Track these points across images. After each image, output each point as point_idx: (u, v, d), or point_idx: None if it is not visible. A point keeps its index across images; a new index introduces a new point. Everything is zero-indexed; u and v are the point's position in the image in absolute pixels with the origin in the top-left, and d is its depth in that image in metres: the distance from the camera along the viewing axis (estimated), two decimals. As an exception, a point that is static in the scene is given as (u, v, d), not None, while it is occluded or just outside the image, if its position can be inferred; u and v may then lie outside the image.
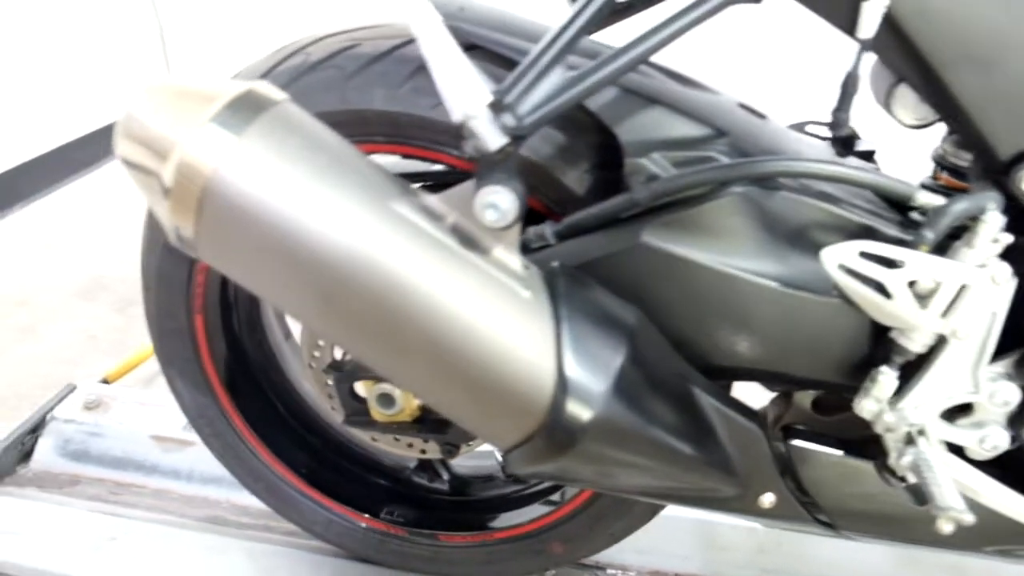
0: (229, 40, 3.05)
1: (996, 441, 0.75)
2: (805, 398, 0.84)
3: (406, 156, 0.88)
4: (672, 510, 1.02)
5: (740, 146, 0.77)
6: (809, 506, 0.82)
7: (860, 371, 0.77)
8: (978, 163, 0.76)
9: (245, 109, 0.64)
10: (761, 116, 0.83)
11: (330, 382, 0.99)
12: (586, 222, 0.76)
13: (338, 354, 0.99)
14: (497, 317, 0.67)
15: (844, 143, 0.81)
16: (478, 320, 0.67)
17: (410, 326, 0.66)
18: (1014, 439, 0.76)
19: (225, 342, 1.08)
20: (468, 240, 0.69)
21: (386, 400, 0.92)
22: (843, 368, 0.78)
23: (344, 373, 0.94)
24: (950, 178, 0.80)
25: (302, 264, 0.65)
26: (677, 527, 1.23)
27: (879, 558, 1.20)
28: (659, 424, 0.73)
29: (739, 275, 0.75)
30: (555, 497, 1.11)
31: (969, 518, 0.69)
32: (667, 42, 0.65)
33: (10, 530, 1.24)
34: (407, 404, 0.92)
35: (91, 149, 2.82)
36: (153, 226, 0.96)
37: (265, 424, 1.12)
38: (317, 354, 1.00)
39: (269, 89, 0.67)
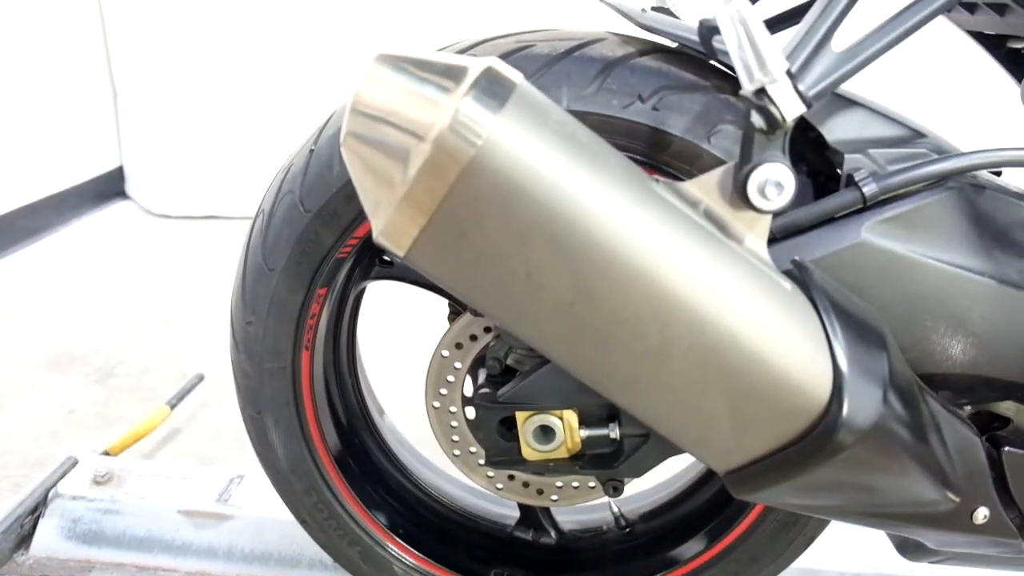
0: (185, 106, 2.93)
1: None
2: (1010, 407, 0.81)
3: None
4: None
5: (942, 145, 0.76)
6: (1021, 520, 0.78)
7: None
8: None
9: (496, 84, 0.57)
10: None
11: (457, 420, 0.90)
12: (801, 221, 0.73)
13: (468, 390, 0.90)
14: (770, 311, 0.61)
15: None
16: (752, 314, 0.60)
17: (677, 320, 0.59)
18: None
19: (325, 387, 0.97)
20: (725, 228, 0.63)
21: (545, 434, 0.83)
22: None
23: (495, 405, 0.84)
24: None
25: (562, 252, 0.57)
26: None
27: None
28: (914, 430, 0.67)
29: (957, 273, 0.73)
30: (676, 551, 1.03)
31: None
32: (941, 10, 0.63)
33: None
34: (569, 438, 0.83)
35: (38, 217, 2.61)
36: (270, 249, 0.86)
37: (362, 479, 1.00)
38: (444, 391, 0.90)
39: (504, 66, 0.60)
